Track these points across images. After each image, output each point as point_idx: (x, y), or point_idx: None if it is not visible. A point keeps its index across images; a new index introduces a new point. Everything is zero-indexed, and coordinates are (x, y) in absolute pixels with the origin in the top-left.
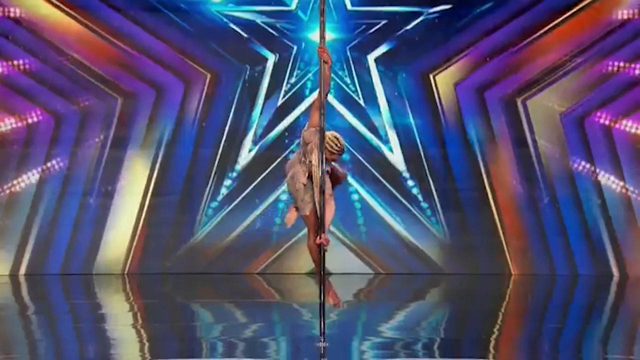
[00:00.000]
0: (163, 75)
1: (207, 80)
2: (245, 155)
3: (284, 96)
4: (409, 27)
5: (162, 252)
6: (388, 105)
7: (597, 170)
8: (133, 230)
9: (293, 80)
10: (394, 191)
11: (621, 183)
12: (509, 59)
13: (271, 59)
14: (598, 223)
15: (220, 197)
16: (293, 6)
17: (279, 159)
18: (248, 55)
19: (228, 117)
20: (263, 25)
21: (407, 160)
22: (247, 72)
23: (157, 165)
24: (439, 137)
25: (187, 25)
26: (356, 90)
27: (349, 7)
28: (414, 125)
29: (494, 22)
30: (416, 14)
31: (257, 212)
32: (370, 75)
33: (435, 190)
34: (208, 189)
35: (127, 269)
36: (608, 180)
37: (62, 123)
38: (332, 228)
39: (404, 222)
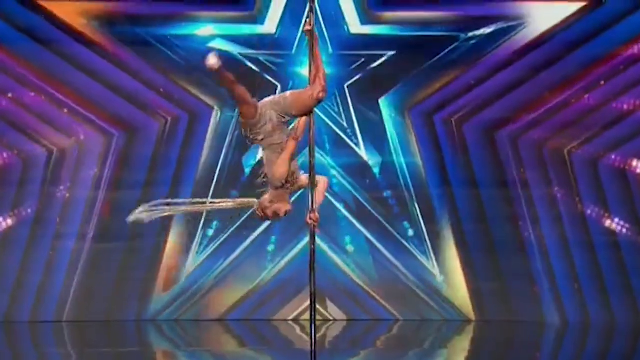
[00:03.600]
0: (137, 115)
1: (185, 119)
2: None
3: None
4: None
5: (141, 298)
6: (397, 145)
7: (611, 214)
8: (102, 275)
9: None
10: (393, 232)
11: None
12: (517, 98)
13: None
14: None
15: (205, 239)
16: (273, 30)
17: None
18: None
19: (207, 157)
20: (243, 58)
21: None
22: (221, 113)
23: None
24: (444, 177)
25: (162, 62)
26: (354, 133)
27: (352, 30)
28: (421, 166)
29: (502, 59)
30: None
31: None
32: (379, 116)
33: (432, 232)
34: (185, 230)
35: (98, 316)
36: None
37: (31, 165)
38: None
39: (399, 261)
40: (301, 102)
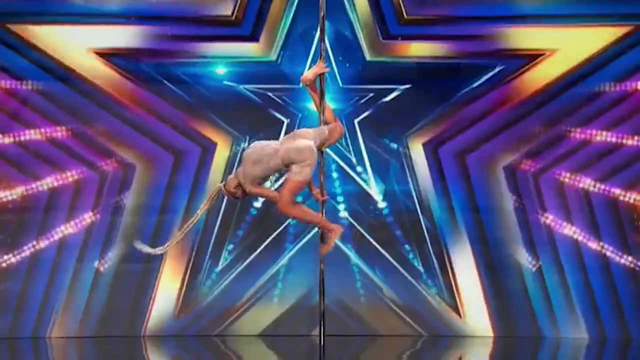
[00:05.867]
0: (153, 148)
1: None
2: (246, 220)
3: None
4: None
5: (157, 316)
6: (404, 175)
7: (601, 239)
8: (134, 293)
9: None
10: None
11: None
12: (516, 132)
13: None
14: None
15: (223, 261)
16: (280, 63)
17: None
18: (242, 126)
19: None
20: (249, 93)
21: (404, 224)
22: (231, 146)
23: (154, 231)
24: (448, 203)
25: (175, 99)
26: (364, 167)
27: (364, 64)
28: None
29: (505, 95)
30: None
31: (262, 277)
32: (388, 148)
33: (437, 254)
34: (207, 254)
35: (140, 330)
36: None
37: (56, 194)
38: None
39: (399, 284)
40: (334, 136)
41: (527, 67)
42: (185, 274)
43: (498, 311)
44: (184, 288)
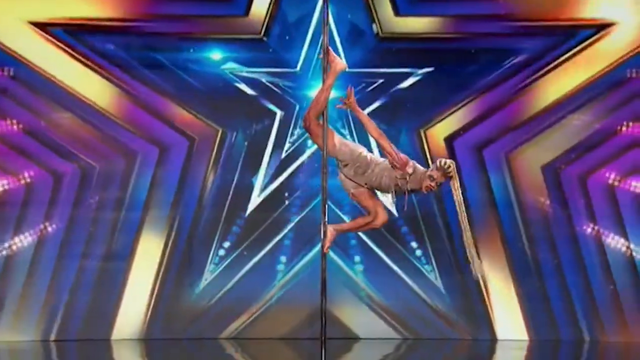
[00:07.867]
0: (135, 141)
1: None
2: (243, 214)
3: (285, 154)
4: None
5: (161, 317)
6: None
7: (601, 231)
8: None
9: (290, 141)
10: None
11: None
12: (538, 124)
13: (275, 116)
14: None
15: (217, 258)
16: (267, 36)
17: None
18: (237, 115)
19: (211, 179)
20: (239, 80)
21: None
22: (223, 136)
23: (134, 227)
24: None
25: (160, 87)
26: None
27: (378, 37)
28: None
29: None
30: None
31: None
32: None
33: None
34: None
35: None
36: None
37: (60, 183)
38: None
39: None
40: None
41: (562, 49)
42: (158, 275)
43: (513, 313)
44: (155, 289)
